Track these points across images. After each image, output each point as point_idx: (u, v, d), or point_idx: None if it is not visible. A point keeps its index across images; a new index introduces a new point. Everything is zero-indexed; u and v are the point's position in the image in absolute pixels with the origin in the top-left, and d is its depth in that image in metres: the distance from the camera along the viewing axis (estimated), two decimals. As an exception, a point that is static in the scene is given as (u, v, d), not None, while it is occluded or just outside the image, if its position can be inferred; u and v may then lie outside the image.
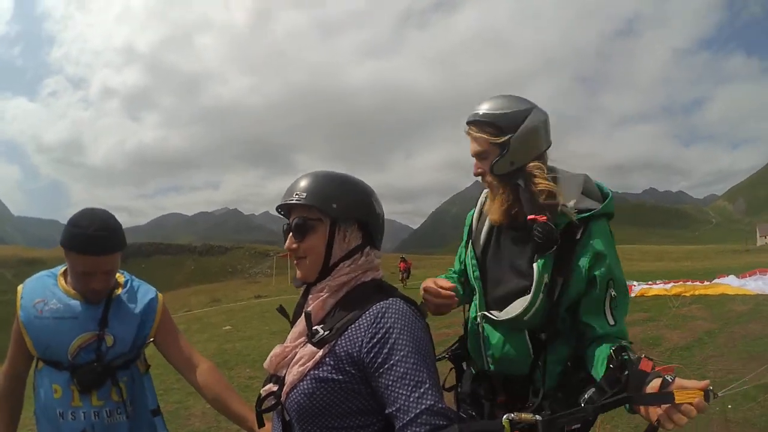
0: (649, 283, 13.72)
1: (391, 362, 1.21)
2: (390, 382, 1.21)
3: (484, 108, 1.73)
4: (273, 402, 1.35)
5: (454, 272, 2.13)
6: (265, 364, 1.41)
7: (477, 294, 1.90)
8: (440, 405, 1.19)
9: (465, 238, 2.00)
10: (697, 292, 11.17)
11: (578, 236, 1.68)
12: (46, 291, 1.89)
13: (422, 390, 1.19)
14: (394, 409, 1.20)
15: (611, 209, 1.74)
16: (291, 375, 1.31)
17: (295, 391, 1.29)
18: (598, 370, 1.58)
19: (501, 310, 1.79)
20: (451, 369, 2.07)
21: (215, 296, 30.95)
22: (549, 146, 1.78)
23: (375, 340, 1.24)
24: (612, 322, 1.67)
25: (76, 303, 1.88)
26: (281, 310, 1.56)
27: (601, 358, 1.59)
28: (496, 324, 1.82)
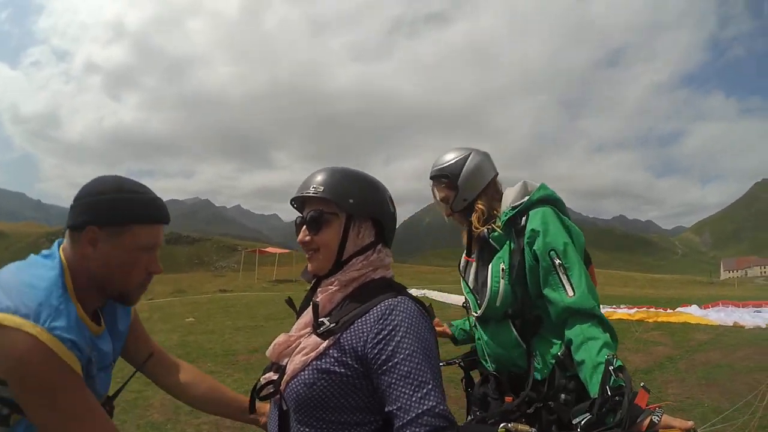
0: (614, 307, 13.92)
1: (395, 360, 1.20)
2: (393, 381, 1.20)
3: (437, 165, 2.15)
4: (272, 390, 1.32)
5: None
6: (268, 352, 1.39)
7: (472, 306, 2.15)
8: (442, 407, 1.18)
9: (461, 277, 2.25)
10: (659, 319, 11.40)
11: (521, 223, 1.97)
12: (82, 336, 1.26)
13: (425, 390, 1.18)
14: (395, 407, 1.18)
15: (538, 196, 2.01)
16: (293, 364, 1.29)
17: (295, 380, 1.27)
18: (588, 379, 1.63)
19: None
20: (462, 378, 2.29)
21: (180, 287, 30.42)
22: (496, 174, 2.18)
23: (381, 336, 1.23)
24: (571, 293, 1.80)
25: (102, 341, 1.41)
26: (289, 302, 1.55)
27: (591, 363, 1.64)
28: (484, 323, 2.09)
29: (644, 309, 13.42)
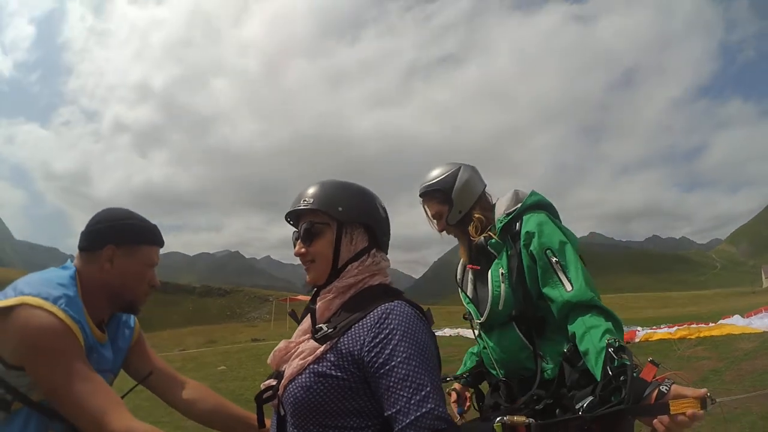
0: (654, 327, 13.52)
1: (392, 364, 1.21)
2: (391, 384, 1.20)
3: (427, 180, 2.20)
4: (270, 395, 1.35)
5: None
6: (269, 360, 1.43)
7: (474, 315, 2.17)
8: (441, 409, 1.18)
9: (460, 289, 2.30)
10: (702, 334, 11.00)
11: (516, 228, 2.02)
12: (88, 330, 1.52)
13: (423, 393, 1.18)
14: (393, 411, 1.19)
15: (530, 202, 2.07)
16: (291, 367, 1.31)
17: (293, 384, 1.28)
18: (594, 366, 1.61)
19: None
20: (472, 393, 2.32)
21: (212, 337, 30.61)
22: (485, 186, 2.24)
23: (377, 340, 1.24)
24: (569, 288, 1.82)
25: (104, 348, 1.63)
26: (292, 315, 1.60)
27: (594, 350, 1.62)
28: (488, 330, 2.11)
29: (685, 326, 13.01)
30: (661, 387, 1.31)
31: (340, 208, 1.42)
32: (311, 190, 1.45)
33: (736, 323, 11.97)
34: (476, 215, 2.16)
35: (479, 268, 2.16)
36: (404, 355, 1.22)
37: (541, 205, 2.08)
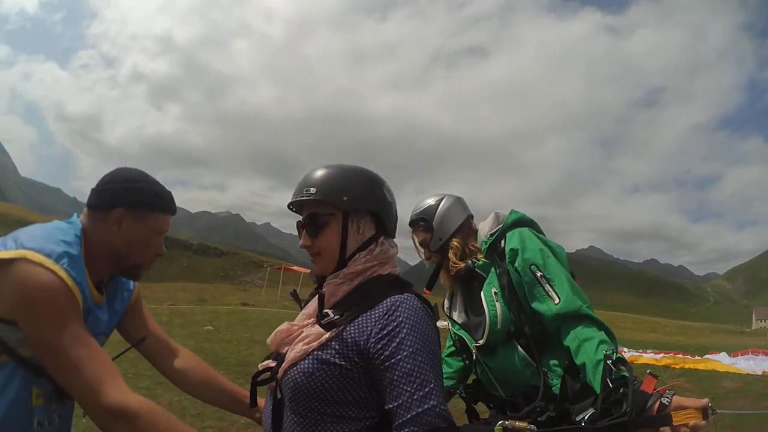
0: (640, 351, 13.55)
1: (398, 357, 1.20)
2: (395, 377, 1.19)
3: (414, 211, 2.28)
4: (268, 377, 1.33)
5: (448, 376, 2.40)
6: (269, 340, 1.40)
7: (467, 341, 2.13)
8: (442, 407, 1.18)
9: (448, 318, 2.32)
10: (687, 366, 11.06)
11: (501, 246, 2.06)
12: (87, 291, 1.43)
13: (427, 389, 1.18)
14: (395, 404, 1.18)
15: (511, 220, 2.13)
16: (294, 351, 1.29)
17: (294, 368, 1.27)
18: (592, 379, 1.62)
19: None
20: (465, 410, 2.24)
21: (202, 296, 30.64)
22: (469, 216, 2.29)
23: (384, 332, 1.23)
24: (556, 300, 1.84)
25: (100, 310, 1.55)
26: (294, 295, 1.57)
27: (591, 363, 1.64)
28: (488, 352, 2.07)
29: (671, 354, 13.06)
30: (662, 399, 1.33)
31: (345, 198, 1.37)
32: (312, 178, 1.40)
33: (722, 360, 12.02)
34: (455, 242, 2.20)
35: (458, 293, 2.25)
36: (411, 349, 1.21)
37: (522, 222, 2.13)
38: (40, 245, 1.36)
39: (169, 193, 1.63)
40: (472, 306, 2.16)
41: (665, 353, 13.44)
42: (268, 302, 28.70)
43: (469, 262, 2.14)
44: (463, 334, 2.17)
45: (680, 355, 12.89)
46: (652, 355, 12.85)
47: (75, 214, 1.59)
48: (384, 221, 1.44)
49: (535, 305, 1.90)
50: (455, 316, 2.26)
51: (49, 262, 1.33)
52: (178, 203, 1.68)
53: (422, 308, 1.32)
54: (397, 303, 1.28)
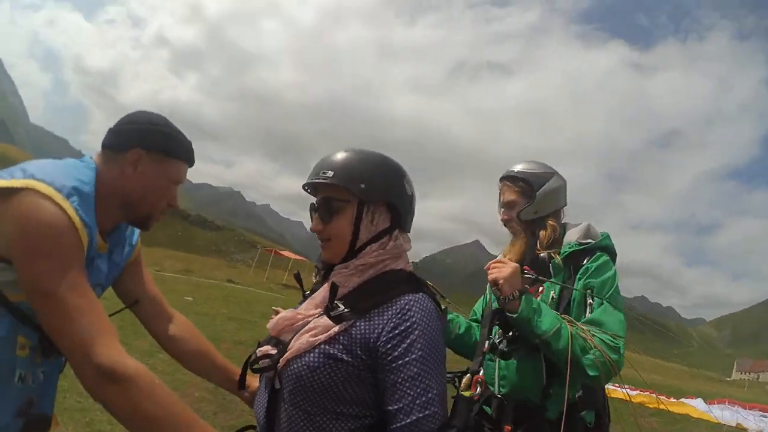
0: (615, 385, 13.40)
1: (406, 359, 1.18)
2: (399, 380, 1.17)
3: (518, 167, 2.10)
4: (267, 365, 1.27)
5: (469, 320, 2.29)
6: (270, 325, 1.34)
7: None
8: (441, 415, 1.18)
9: (488, 295, 2.18)
10: (660, 406, 10.91)
11: (583, 263, 1.94)
12: (93, 235, 1.30)
13: (429, 396, 1.16)
14: (395, 407, 1.16)
15: (604, 243, 2.00)
16: (299, 342, 1.24)
17: (299, 360, 1.22)
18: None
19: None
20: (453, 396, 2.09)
21: (190, 267, 30.66)
22: (565, 205, 2.15)
23: (396, 331, 1.20)
24: (589, 312, 1.82)
25: (101, 259, 1.43)
26: (297, 277, 1.52)
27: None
28: (512, 344, 1.85)
29: (647, 393, 12.93)
30: None
31: (362, 185, 1.30)
32: (331, 161, 1.34)
33: (697, 407, 11.89)
34: (550, 222, 2.06)
35: (533, 275, 2.01)
36: (419, 353, 1.18)
37: (610, 251, 2.01)
38: (52, 177, 1.23)
39: (190, 142, 1.53)
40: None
41: (641, 391, 13.30)
42: (253, 283, 28.65)
43: (545, 255, 2.01)
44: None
45: (655, 395, 12.78)
46: (627, 390, 12.69)
47: (88, 155, 1.48)
48: (401, 214, 1.38)
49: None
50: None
51: (59, 197, 1.20)
52: (181, 172, 1.60)
53: (434, 310, 1.28)
54: (411, 303, 1.24)
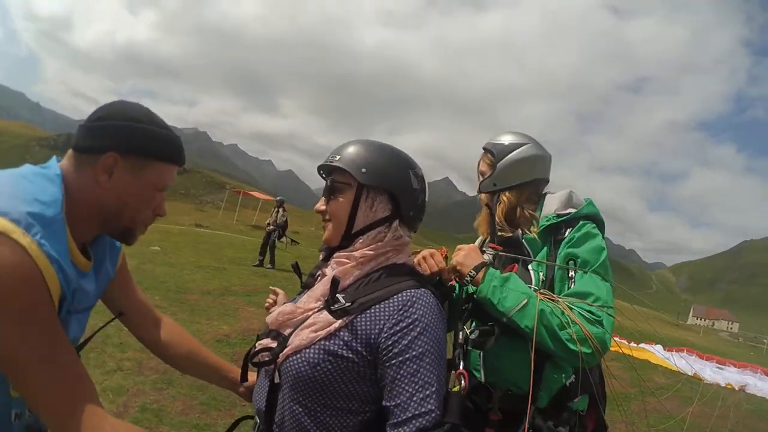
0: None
1: (407, 356, 1.18)
2: (398, 376, 1.17)
3: (493, 138, 2.03)
4: (267, 359, 1.27)
5: None
6: (269, 319, 1.35)
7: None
8: (438, 412, 1.17)
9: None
10: (621, 350, 11.23)
11: (564, 235, 1.81)
12: (69, 266, 1.10)
13: (427, 392, 1.17)
14: (393, 403, 1.17)
15: (588, 211, 1.85)
16: (299, 338, 1.24)
17: (298, 356, 1.22)
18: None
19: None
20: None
21: (157, 212, 30.10)
22: (541, 178, 2.01)
23: (398, 327, 1.20)
24: (571, 286, 1.69)
25: (87, 279, 1.23)
26: (296, 267, 1.54)
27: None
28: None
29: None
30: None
31: (363, 170, 1.33)
32: (342, 147, 1.39)
33: (656, 353, 12.34)
34: (505, 197, 1.94)
35: (503, 252, 1.90)
36: (420, 350, 1.18)
37: (595, 219, 1.86)
38: (5, 205, 0.99)
39: (178, 138, 1.28)
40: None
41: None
42: (222, 226, 28.35)
43: (519, 232, 1.91)
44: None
45: (617, 338, 13.15)
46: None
47: (54, 158, 1.21)
48: (401, 205, 1.37)
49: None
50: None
51: (17, 233, 0.97)
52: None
53: (437, 306, 1.29)
54: (414, 298, 1.24)
